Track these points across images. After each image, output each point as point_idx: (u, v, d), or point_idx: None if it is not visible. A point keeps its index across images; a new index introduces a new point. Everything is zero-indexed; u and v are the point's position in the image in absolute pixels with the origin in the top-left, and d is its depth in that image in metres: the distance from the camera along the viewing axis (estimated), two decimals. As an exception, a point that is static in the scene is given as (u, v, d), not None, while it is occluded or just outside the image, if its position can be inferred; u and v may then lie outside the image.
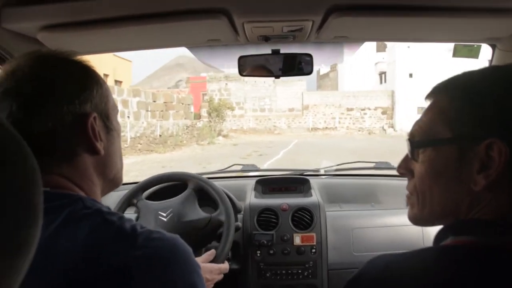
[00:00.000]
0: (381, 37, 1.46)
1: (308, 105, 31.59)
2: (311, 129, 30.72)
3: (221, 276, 1.38)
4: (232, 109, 28.88)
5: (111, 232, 0.64)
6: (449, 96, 0.66)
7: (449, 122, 0.63)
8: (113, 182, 0.83)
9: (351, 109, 31.17)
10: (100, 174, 0.78)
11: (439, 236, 0.65)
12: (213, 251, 1.41)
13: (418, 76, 28.99)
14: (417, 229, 1.68)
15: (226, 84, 32.08)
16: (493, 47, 1.42)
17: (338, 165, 2.31)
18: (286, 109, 31.87)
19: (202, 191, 1.54)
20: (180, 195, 1.54)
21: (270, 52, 1.46)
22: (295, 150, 17.49)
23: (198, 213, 1.49)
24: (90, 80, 0.76)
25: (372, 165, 2.23)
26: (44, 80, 0.70)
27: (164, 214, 1.45)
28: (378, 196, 2.03)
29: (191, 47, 1.51)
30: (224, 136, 26.20)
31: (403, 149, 0.74)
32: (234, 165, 2.31)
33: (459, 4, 1.11)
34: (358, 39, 1.47)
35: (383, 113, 30.90)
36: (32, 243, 0.35)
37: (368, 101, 31.08)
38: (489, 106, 0.60)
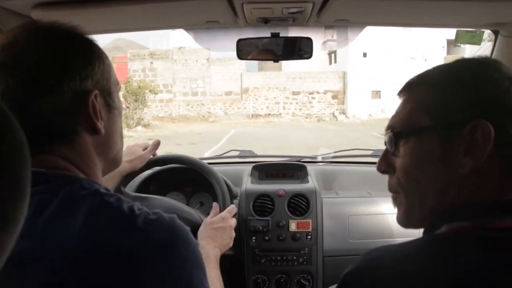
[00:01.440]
0: (383, 21, 1.49)
1: (248, 88, 28.14)
2: (252, 115, 27.76)
3: (235, 221, 1.43)
4: (155, 92, 24.37)
5: (109, 214, 0.63)
6: (426, 87, 0.69)
7: (429, 110, 0.66)
8: (113, 162, 0.82)
9: (298, 93, 28.01)
10: (101, 155, 0.76)
11: (432, 225, 0.65)
12: (216, 204, 1.45)
13: (373, 55, 26.47)
14: None
15: (152, 62, 27.72)
16: (496, 33, 1.45)
17: (335, 152, 2.33)
18: (222, 93, 28.17)
19: (198, 174, 1.58)
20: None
21: (269, 35, 1.48)
22: (228, 148, 12.64)
23: (192, 216, 1.52)
24: (92, 55, 0.73)
25: (369, 152, 2.27)
26: (43, 54, 0.67)
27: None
28: (375, 183, 1.98)
29: (188, 28, 1.55)
30: (145, 125, 22.26)
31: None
32: (231, 150, 2.34)
33: None
34: (359, 23, 1.51)
35: (334, 97, 27.87)
36: (19, 219, 0.34)
37: (317, 84, 27.93)
38: (469, 91, 0.64)
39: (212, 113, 27.81)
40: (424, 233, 0.67)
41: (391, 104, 25.35)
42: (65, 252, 0.58)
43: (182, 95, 27.98)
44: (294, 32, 1.51)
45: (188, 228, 0.69)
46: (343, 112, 27.53)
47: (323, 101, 27.92)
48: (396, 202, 0.74)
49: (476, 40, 1.46)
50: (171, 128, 21.73)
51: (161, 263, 0.61)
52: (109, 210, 0.63)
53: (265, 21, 1.35)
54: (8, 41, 0.67)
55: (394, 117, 0.72)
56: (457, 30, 1.49)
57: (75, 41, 0.72)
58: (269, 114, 27.87)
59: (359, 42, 25.79)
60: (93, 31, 1.35)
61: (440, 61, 26.39)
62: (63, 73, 0.67)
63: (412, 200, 0.68)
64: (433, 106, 0.66)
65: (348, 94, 27.32)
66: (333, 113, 27.61)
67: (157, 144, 1.55)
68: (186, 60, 27.84)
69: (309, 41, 1.48)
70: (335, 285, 0.82)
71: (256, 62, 29.59)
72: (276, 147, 12.71)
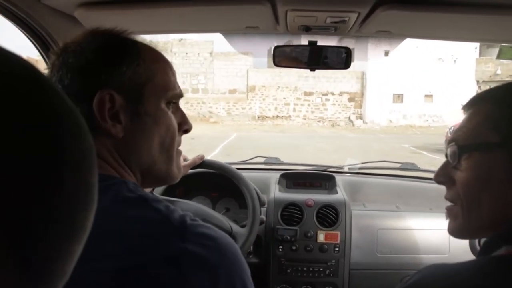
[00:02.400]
0: (425, 34, 1.45)
1: (255, 86, 26.21)
2: (258, 117, 26.10)
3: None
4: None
5: (158, 221, 0.63)
6: (495, 103, 0.68)
7: (498, 127, 0.65)
8: (153, 174, 0.77)
9: (310, 94, 26.14)
10: (130, 162, 0.73)
11: (490, 245, 0.64)
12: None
13: (396, 55, 24.07)
14: (443, 234, 1.66)
15: (149, 55, 25.04)
16: None
17: (362, 163, 2.30)
18: (226, 91, 26.27)
19: (225, 179, 1.56)
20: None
21: (306, 43, 1.46)
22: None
23: (221, 222, 1.50)
24: (120, 56, 0.72)
25: (397, 165, 2.24)
26: (68, 54, 0.71)
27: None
28: (403, 197, 2.01)
29: (226, 33, 1.53)
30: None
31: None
32: (257, 157, 2.30)
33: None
34: (401, 35, 1.48)
35: (350, 100, 25.98)
36: (87, 227, 0.33)
37: (332, 84, 25.96)
38: None
39: (214, 113, 26.08)
40: (481, 252, 0.66)
41: (413, 110, 23.82)
42: (112, 254, 0.59)
43: (181, 92, 25.92)
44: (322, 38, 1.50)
45: (239, 250, 0.67)
46: (360, 117, 25.68)
47: (338, 104, 26.15)
48: (451, 213, 0.73)
49: None
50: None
51: (203, 277, 0.60)
52: (158, 218, 0.63)
53: (306, 29, 1.34)
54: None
55: (458, 130, 0.72)
56: (500, 46, 1.56)
57: (102, 42, 0.72)
58: (277, 116, 26.12)
59: (380, 39, 23.48)
60: (133, 31, 1.20)
61: (472, 64, 23.95)
62: (79, 70, 0.69)
63: (469, 214, 0.68)
64: (503, 124, 0.65)
65: (367, 96, 25.34)
66: (349, 118, 25.78)
67: (200, 159, 1.51)
68: (186, 53, 26.06)
69: (347, 50, 1.48)
70: None
71: (265, 58, 27.27)
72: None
